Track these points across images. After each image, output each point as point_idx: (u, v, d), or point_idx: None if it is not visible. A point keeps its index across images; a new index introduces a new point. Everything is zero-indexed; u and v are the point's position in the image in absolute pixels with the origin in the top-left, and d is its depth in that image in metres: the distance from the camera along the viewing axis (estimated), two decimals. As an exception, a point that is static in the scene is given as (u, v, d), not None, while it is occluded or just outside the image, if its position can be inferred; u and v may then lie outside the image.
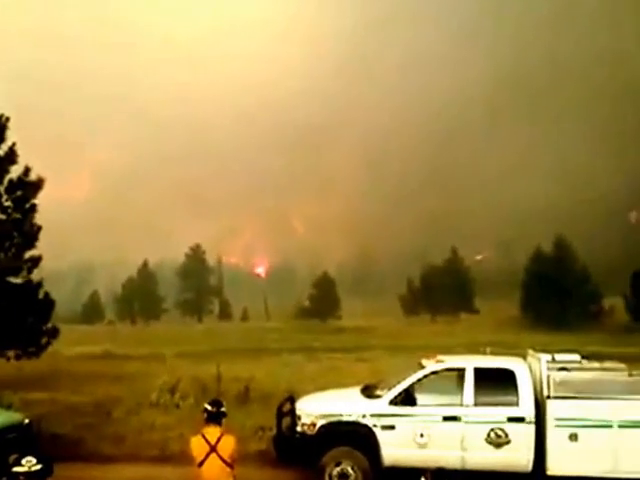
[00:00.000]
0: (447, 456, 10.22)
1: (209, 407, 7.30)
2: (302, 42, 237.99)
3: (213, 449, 7.05)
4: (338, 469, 10.45)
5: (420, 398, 10.49)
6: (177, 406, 16.32)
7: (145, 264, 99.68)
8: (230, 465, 7.12)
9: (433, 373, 10.75)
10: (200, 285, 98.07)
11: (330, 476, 10.46)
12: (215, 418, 7.25)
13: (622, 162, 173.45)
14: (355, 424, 10.57)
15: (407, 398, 10.50)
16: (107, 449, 13.22)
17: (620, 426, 9.95)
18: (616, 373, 10.49)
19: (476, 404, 10.36)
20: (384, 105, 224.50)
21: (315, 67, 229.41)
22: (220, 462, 7.04)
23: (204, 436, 7.14)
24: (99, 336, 54.91)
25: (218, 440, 7.09)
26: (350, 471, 10.42)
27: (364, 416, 10.54)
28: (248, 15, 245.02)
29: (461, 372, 10.66)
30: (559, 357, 10.75)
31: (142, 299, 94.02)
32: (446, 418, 10.36)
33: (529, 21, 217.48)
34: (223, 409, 7.32)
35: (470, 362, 10.87)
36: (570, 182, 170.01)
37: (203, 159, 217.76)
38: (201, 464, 7.06)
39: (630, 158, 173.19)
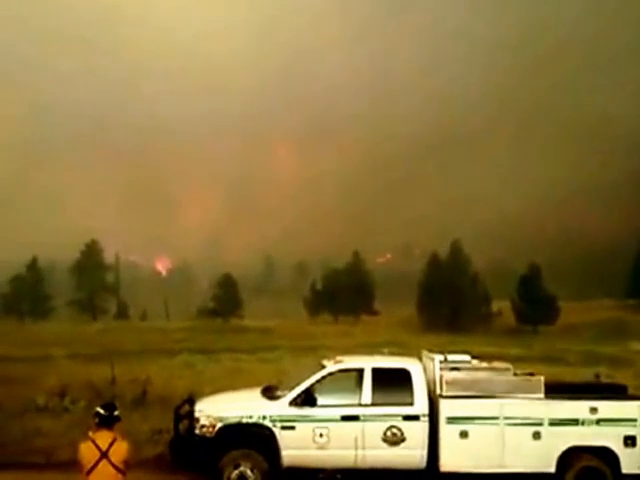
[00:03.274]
0: (346, 455, 10.37)
1: (101, 411, 7.01)
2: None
3: (104, 455, 6.78)
4: (237, 471, 10.35)
5: (320, 398, 10.56)
6: (66, 410, 15.62)
7: (35, 260, 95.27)
8: (122, 471, 6.88)
9: (332, 373, 10.86)
10: (95, 283, 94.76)
11: (229, 479, 10.32)
12: (107, 422, 6.97)
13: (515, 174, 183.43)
14: (255, 426, 10.51)
15: (307, 399, 10.56)
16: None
17: (506, 423, 10.41)
18: (502, 373, 11.00)
19: (374, 403, 10.55)
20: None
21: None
22: (111, 468, 6.78)
23: (94, 441, 6.84)
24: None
25: (110, 445, 6.83)
26: (249, 473, 10.34)
27: (264, 417, 10.51)
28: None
29: (360, 372, 10.81)
30: (451, 357, 11.21)
31: (31, 297, 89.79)
32: (345, 418, 10.48)
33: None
34: (116, 413, 7.04)
35: (368, 362, 11.07)
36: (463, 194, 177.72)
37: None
38: (91, 471, 6.76)
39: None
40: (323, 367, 11.07)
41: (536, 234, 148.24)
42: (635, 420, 10.51)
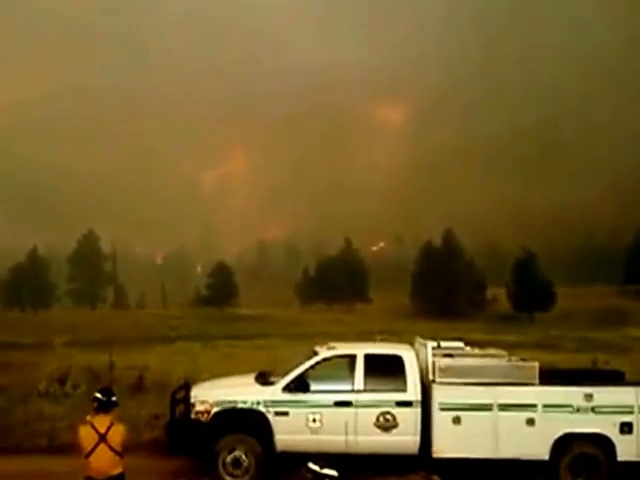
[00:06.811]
0: (338, 440, 10.49)
1: (99, 396, 7.20)
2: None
3: (103, 438, 6.99)
4: (232, 456, 10.52)
5: (313, 384, 10.69)
6: (67, 395, 15.84)
7: (35, 249, 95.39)
8: (120, 454, 7.09)
9: (325, 360, 10.98)
10: (94, 272, 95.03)
11: (223, 463, 10.51)
12: (105, 407, 7.16)
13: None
14: (249, 411, 10.66)
15: (300, 384, 10.69)
16: (-9, 440, 12.69)
17: (500, 410, 10.43)
18: (496, 359, 11.02)
19: (366, 389, 10.67)
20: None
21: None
22: (110, 451, 6.99)
23: (93, 425, 7.05)
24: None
25: (108, 429, 7.03)
26: (243, 457, 10.51)
27: (258, 403, 10.66)
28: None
29: (352, 358, 10.93)
30: (444, 344, 11.28)
31: (32, 285, 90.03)
32: (338, 403, 10.61)
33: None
34: (114, 398, 7.24)
35: (360, 349, 11.17)
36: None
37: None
38: (90, 454, 6.97)
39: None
40: (316, 353, 11.18)
41: (532, 220, 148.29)
42: (631, 407, 10.37)
